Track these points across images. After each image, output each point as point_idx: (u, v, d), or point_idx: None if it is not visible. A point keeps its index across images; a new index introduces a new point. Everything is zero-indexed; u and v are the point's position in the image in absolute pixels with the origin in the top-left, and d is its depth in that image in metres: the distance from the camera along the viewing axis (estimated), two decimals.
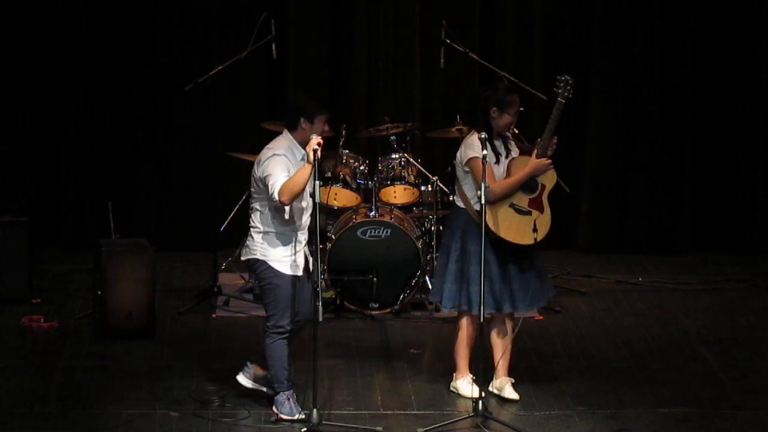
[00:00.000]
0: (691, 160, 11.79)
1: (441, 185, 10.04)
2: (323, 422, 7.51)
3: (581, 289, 10.62)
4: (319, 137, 7.84)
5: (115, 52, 11.37)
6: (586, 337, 9.46)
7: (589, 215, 11.77)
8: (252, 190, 8.30)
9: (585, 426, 7.69)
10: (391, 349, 9.18)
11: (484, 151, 8.19)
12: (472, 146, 8.41)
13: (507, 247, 8.59)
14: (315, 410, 7.49)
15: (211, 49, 10.70)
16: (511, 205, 8.63)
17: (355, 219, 9.70)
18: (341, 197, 9.81)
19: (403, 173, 9.99)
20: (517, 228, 8.59)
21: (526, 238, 8.61)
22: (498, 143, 8.65)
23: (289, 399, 8.06)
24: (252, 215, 8.36)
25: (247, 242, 8.36)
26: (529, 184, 8.63)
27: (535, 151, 8.63)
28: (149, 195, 11.11)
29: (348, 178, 9.81)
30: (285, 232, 8.23)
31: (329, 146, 9.59)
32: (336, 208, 9.80)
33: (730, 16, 11.79)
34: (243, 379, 8.36)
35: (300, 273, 8.20)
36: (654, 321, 9.80)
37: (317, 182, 7.82)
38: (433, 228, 10.00)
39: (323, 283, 8.33)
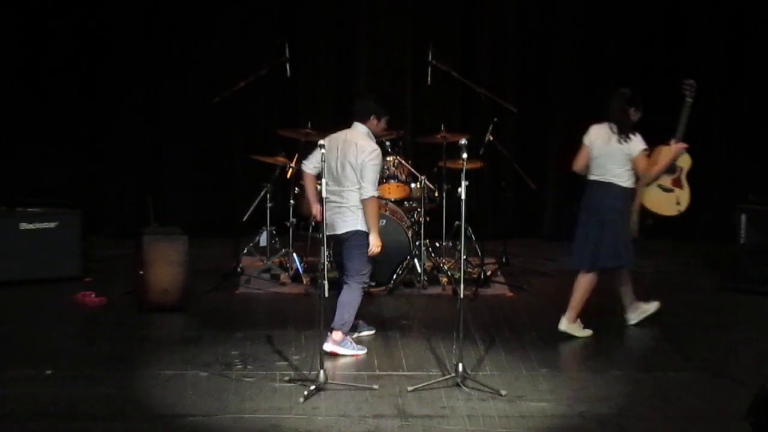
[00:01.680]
0: None
1: (428, 183, 10.08)
2: (329, 381, 7.53)
3: (546, 270, 10.63)
4: None
5: (153, 69, 11.40)
6: (549, 311, 9.37)
7: (552, 208, 11.77)
8: (344, 173, 8.38)
9: (548, 385, 7.72)
10: (385, 321, 9.18)
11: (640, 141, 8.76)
12: (640, 141, 8.79)
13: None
14: (322, 371, 7.50)
15: (234, 67, 10.69)
16: (658, 185, 9.30)
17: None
18: (391, 191, 9.94)
19: (396, 173, 9.99)
20: (661, 203, 9.39)
21: (670, 210, 9.44)
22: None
23: (352, 341, 8.54)
24: (347, 195, 8.44)
25: (343, 218, 8.44)
26: (670, 167, 9.19)
27: (673, 140, 9.14)
28: (182, 190, 11.12)
29: (400, 175, 9.90)
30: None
31: None
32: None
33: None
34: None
35: None
36: (607, 298, 9.77)
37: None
38: (420, 219, 9.99)
39: (328, 265, 8.33)
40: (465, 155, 8.38)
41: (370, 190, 8.37)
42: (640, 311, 9.14)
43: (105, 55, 11.30)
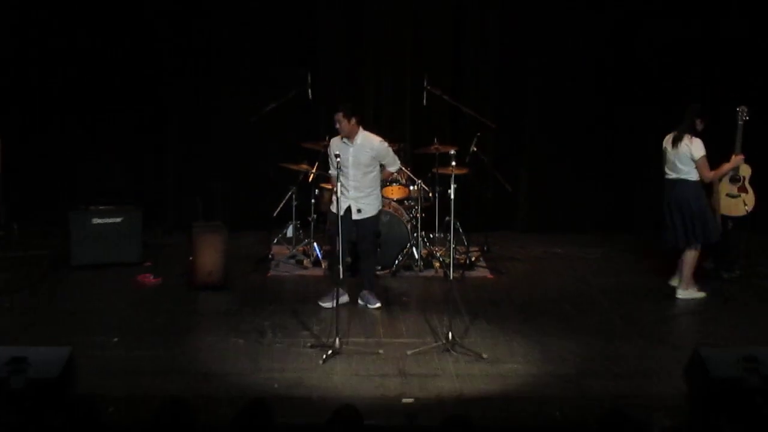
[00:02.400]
0: (595, 169, 11.78)
1: (423, 186, 10.06)
2: (343, 347, 7.59)
3: (519, 257, 10.60)
4: None
5: (203, 91, 11.43)
6: (522, 290, 9.49)
7: (524, 205, 11.75)
8: (364, 164, 8.57)
9: (521, 350, 7.77)
10: (389, 298, 9.14)
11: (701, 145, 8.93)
12: (701, 148, 8.90)
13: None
14: (337, 339, 7.57)
15: (268, 91, 10.66)
16: (727, 194, 9.54)
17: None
18: (394, 192, 9.88)
19: (397, 177, 9.95)
20: (732, 207, 9.60)
21: (740, 211, 9.59)
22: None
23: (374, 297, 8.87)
24: (367, 180, 8.64)
25: (367, 202, 8.62)
26: (734, 177, 9.47)
27: (733, 154, 9.26)
28: (224, 191, 11.08)
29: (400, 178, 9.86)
30: None
31: None
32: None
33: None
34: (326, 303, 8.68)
35: None
36: (568, 279, 9.82)
37: None
38: (417, 215, 9.97)
39: (341, 250, 8.35)
40: (453, 163, 8.52)
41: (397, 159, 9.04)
42: (690, 292, 9.16)
43: (163, 77, 11.32)
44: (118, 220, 9.88)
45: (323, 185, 9.93)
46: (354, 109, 8.66)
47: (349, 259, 8.93)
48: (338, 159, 8.07)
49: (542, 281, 9.82)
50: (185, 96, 11.30)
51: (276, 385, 7.09)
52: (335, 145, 8.61)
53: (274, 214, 10.18)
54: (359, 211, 8.40)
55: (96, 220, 9.81)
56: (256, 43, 11.34)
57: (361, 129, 8.63)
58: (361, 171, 8.52)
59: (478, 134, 10.10)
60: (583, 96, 11.51)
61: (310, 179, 10.08)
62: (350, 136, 8.54)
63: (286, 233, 10.44)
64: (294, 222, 10.37)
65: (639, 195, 11.37)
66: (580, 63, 11.49)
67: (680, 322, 8.56)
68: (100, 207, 9.90)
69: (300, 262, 9.91)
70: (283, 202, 10.21)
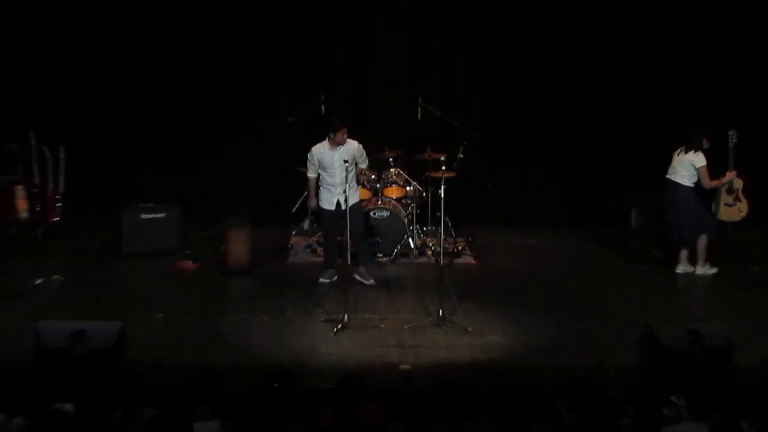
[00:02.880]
0: (566, 172, 11.74)
1: (418, 186, 10.05)
2: (350, 321, 7.60)
3: (499, 247, 10.56)
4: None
5: (232, 106, 11.40)
6: (502, 275, 9.48)
7: (504, 203, 11.72)
8: (348, 163, 8.55)
9: (500, 325, 7.74)
10: (388, 280, 9.14)
11: (703, 158, 9.04)
12: (703, 159, 9.03)
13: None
14: (346, 314, 7.57)
15: (287, 106, 10.72)
16: (725, 204, 9.40)
17: (369, 206, 9.66)
18: (361, 193, 9.61)
19: (396, 179, 9.98)
20: (729, 214, 9.48)
21: (736, 217, 9.52)
22: None
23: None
24: (350, 176, 8.64)
25: (351, 192, 8.48)
26: (730, 189, 9.36)
27: (728, 170, 9.23)
28: (250, 191, 11.09)
29: (366, 183, 9.77)
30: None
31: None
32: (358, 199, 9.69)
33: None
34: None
35: None
36: (541, 266, 9.82)
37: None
38: (413, 211, 9.95)
39: (350, 241, 8.36)
40: (443, 168, 8.70)
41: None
42: (707, 269, 9.34)
43: (201, 98, 11.31)
44: (162, 215, 9.91)
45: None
46: (342, 123, 8.81)
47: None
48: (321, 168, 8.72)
49: (519, 268, 9.77)
50: (218, 114, 11.27)
51: (294, 354, 7.05)
52: (317, 152, 8.74)
53: (293, 210, 10.17)
54: (346, 200, 8.31)
55: (143, 216, 9.85)
56: (277, 68, 11.32)
57: (345, 134, 8.75)
58: (344, 169, 8.52)
59: (465, 143, 10.08)
60: (556, 109, 11.47)
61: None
62: (341, 144, 8.63)
63: (302, 226, 10.43)
64: (309, 217, 10.34)
65: (603, 195, 11.30)
66: (553, 79, 11.45)
67: (636, 301, 8.46)
68: (147, 204, 9.93)
69: (314, 251, 9.90)
70: (300, 200, 10.16)
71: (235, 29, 11.34)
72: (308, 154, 8.78)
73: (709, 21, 11.17)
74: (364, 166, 9.07)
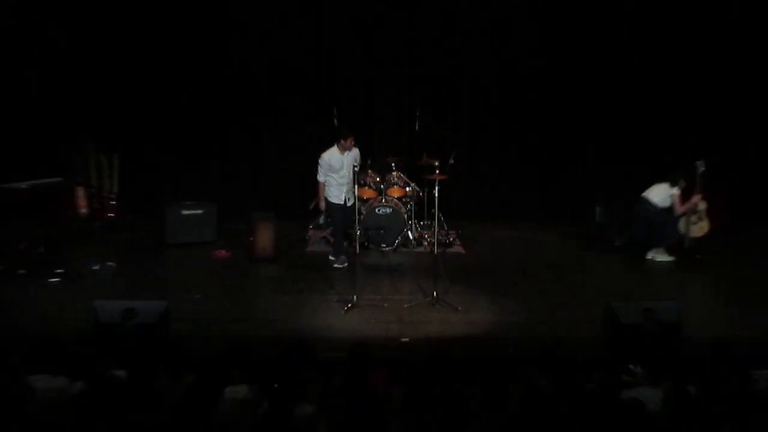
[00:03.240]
0: (543, 177, 11.50)
1: (416, 187, 10.02)
2: (359, 301, 7.59)
3: (485, 239, 10.52)
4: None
5: (260, 122, 11.32)
6: (487, 262, 9.47)
7: (489, 201, 11.54)
8: (356, 164, 8.49)
9: (485, 303, 7.79)
10: (390, 266, 9.14)
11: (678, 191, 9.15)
12: (677, 190, 9.20)
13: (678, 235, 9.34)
14: (355, 295, 7.59)
15: (305, 120, 10.74)
16: (692, 222, 9.28)
17: (374, 203, 9.62)
18: (368, 193, 9.73)
19: (398, 181, 9.97)
20: (695, 230, 9.29)
21: (699, 233, 9.30)
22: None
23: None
24: (350, 176, 8.45)
25: (351, 194, 8.59)
26: (695, 211, 9.23)
27: (694, 194, 9.18)
28: (274, 190, 11.04)
29: (372, 184, 9.78)
30: None
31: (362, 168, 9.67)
32: (365, 198, 9.70)
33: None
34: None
35: None
36: (520, 254, 9.79)
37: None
38: (411, 208, 9.91)
39: (358, 233, 8.41)
40: (437, 171, 8.69)
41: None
42: (665, 257, 9.35)
43: (233, 115, 11.23)
44: (200, 211, 9.88)
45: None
46: (349, 132, 8.90)
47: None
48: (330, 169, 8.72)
49: (501, 256, 9.74)
50: (248, 126, 11.25)
51: (311, 328, 7.09)
52: (329, 157, 8.77)
53: (310, 207, 10.17)
54: (354, 195, 8.36)
55: (184, 212, 9.82)
56: (296, 89, 11.23)
57: (353, 142, 8.83)
58: (352, 169, 8.44)
59: (455, 151, 10.06)
60: (532, 125, 11.33)
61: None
62: (349, 149, 8.73)
63: (318, 221, 10.37)
64: (324, 213, 10.25)
65: (573, 197, 11.15)
66: (531, 101, 11.31)
67: (599, 283, 8.49)
68: (187, 202, 9.91)
69: (328, 242, 9.88)
70: (315, 201, 10.14)
71: (263, 59, 11.26)
72: (319, 160, 8.80)
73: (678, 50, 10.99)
74: (357, 168, 9.04)
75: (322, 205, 9.05)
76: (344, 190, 8.80)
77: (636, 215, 9.46)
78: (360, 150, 9.26)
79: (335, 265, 8.93)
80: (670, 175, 9.30)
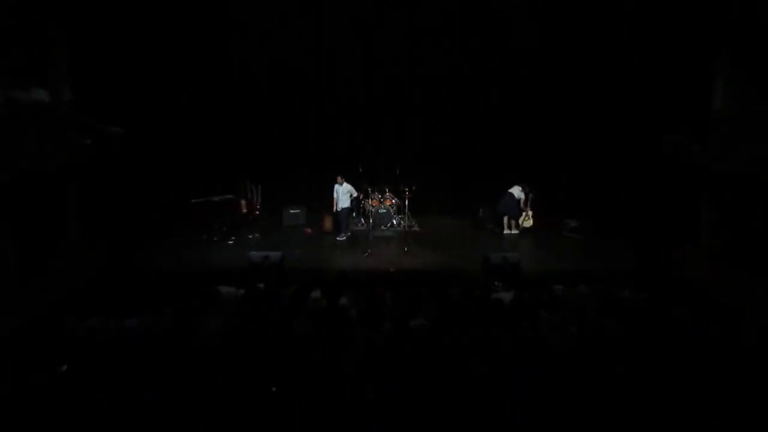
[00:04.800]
0: (459, 186, 9.73)
1: (398, 200, 9.14)
2: (370, 253, 7.35)
3: (431, 224, 9.17)
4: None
5: (315, 163, 9.65)
6: (431, 235, 8.55)
7: (432, 205, 9.83)
8: (346, 192, 7.88)
9: (431, 254, 7.31)
10: (385, 236, 8.50)
11: (524, 196, 8.16)
12: (523, 195, 8.28)
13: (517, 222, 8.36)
14: (369, 249, 7.42)
15: (332, 150, 9.34)
16: (525, 220, 8.51)
17: (378, 207, 8.92)
18: (375, 202, 8.96)
19: (389, 197, 9.07)
20: (526, 224, 8.50)
21: (528, 226, 8.49)
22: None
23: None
24: (344, 199, 7.87)
25: (344, 205, 7.86)
26: (527, 214, 8.48)
27: (528, 208, 8.41)
28: (310, 195, 9.51)
29: (376, 198, 9.02)
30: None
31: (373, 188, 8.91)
32: (374, 204, 8.95)
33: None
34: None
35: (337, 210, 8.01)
36: (448, 231, 8.80)
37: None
38: (396, 210, 9.02)
39: (371, 220, 8.16)
40: (408, 193, 8.51)
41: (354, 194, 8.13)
42: (514, 231, 8.56)
43: (321, 145, 9.51)
44: (298, 210, 9.23)
45: (365, 201, 9.11)
46: (343, 175, 8.19)
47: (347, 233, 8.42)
48: (336, 193, 8.04)
49: (439, 232, 8.81)
50: (316, 156, 9.54)
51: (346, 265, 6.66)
52: (336, 187, 8.29)
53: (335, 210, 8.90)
54: (342, 208, 8.07)
55: (291, 210, 9.21)
56: (340, 141, 9.63)
57: (344, 180, 8.28)
58: (343, 196, 8.14)
59: (415, 184, 9.02)
60: (464, 157, 9.66)
61: (361, 197, 9.33)
62: (340, 184, 8.29)
63: (353, 215, 9.26)
64: (354, 211, 9.17)
65: (471, 201, 9.63)
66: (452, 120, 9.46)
67: (481, 245, 7.81)
68: (292, 205, 9.19)
69: (357, 224, 9.17)
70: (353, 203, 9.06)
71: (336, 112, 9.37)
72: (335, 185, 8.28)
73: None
74: (354, 194, 8.37)
75: (334, 207, 8.32)
76: (340, 203, 8.28)
77: (501, 197, 8.67)
78: (368, 181, 8.68)
79: (337, 238, 8.23)
80: (523, 183, 8.67)
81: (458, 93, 9.16)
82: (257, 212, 9.34)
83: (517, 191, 8.65)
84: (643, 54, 7.21)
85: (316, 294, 4.57)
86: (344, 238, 8.21)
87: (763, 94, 5.37)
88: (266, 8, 8.35)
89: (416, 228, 9.33)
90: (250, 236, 8.30)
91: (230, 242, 8.00)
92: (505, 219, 8.66)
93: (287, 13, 8.41)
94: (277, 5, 8.35)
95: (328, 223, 8.61)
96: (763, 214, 5.40)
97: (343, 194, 8.25)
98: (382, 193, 9.36)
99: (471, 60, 8.72)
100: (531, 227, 8.71)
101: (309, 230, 8.91)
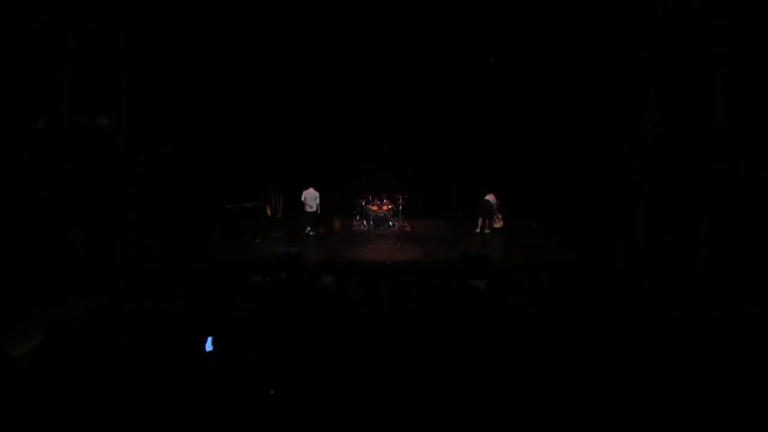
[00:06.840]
0: (444, 192, 9.45)
1: (393, 206, 8.82)
2: (371, 247, 7.19)
3: (419, 225, 8.85)
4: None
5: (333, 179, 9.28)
6: (419, 234, 8.38)
7: (417, 209, 9.18)
8: (313, 198, 7.49)
9: (419, 248, 7.28)
10: (383, 235, 8.28)
11: (497, 202, 7.81)
12: (497, 201, 7.77)
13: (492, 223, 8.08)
14: (370, 245, 7.34)
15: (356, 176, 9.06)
16: (495, 221, 8.22)
17: (377, 211, 8.68)
18: (375, 207, 8.66)
19: (386, 203, 8.77)
20: (497, 225, 8.20)
21: (498, 226, 8.19)
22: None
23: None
24: (315, 204, 7.47)
25: (315, 209, 7.45)
26: (496, 216, 8.18)
27: (500, 214, 8.14)
28: (344, 204, 8.95)
29: (376, 204, 8.72)
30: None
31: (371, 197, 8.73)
32: (374, 209, 8.69)
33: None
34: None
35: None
36: (432, 230, 8.64)
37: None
38: (392, 214, 8.71)
39: (372, 222, 8.09)
40: (401, 200, 8.45)
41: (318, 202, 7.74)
42: (486, 231, 8.22)
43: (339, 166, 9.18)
44: (313, 210, 8.33)
45: (367, 207, 8.76)
46: (317, 188, 7.85)
47: (310, 229, 8.13)
48: (305, 198, 7.67)
49: (426, 232, 8.58)
50: (334, 179, 9.21)
51: (358, 257, 6.64)
52: (305, 193, 7.92)
53: (354, 212, 9.30)
54: (314, 212, 7.75)
55: (308, 211, 8.34)
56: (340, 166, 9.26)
57: (314, 189, 7.94)
58: (312, 202, 7.90)
59: (406, 195, 8.93)
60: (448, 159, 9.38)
61: (363, 203, 9.12)
62: (309, 191, 7.96)
63: (358, 217, 9.18)
64: (360, 215, 9.15)
65: (453, 206, 9.46)
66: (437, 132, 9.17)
67: (460, 242, 7.61)
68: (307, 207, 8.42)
69: (360, 224, 8.96)
70: (356, 210, 9.21)
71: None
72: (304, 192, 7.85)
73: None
74: (317, 203, 7.97)
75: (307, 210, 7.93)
76: (311, 209, 7.93)
77: (481, 204, 8.41)
78: (369, 190, 8.47)
79: (307, 231, 7.87)
80: (494, 192, 8.41)
81: (438, 118, 9.18)
82: (280, 215, 9.05)
83: (492, 199, 8.49)
84: (591, 84, 7.61)
85: (327, 279, 4.51)
86: (313, 233, 7.96)
87: (686, 121, 6.09)
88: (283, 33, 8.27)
89: (408, 228, 9.18)
90: (274, 235, 8.13)
91: (258, 240, 7.84)
92: (480, 221, 8.55)
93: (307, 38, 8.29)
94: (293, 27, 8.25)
95: (336, 224, 8.59)
96: (683, 217, 6.11)
97: (312, 200, 8.01)
98: (381, 200, 9.14)
99: (443, 90, 8.69)
100: (501, 227, 8.60)
101: (322, 229, 8.61)
